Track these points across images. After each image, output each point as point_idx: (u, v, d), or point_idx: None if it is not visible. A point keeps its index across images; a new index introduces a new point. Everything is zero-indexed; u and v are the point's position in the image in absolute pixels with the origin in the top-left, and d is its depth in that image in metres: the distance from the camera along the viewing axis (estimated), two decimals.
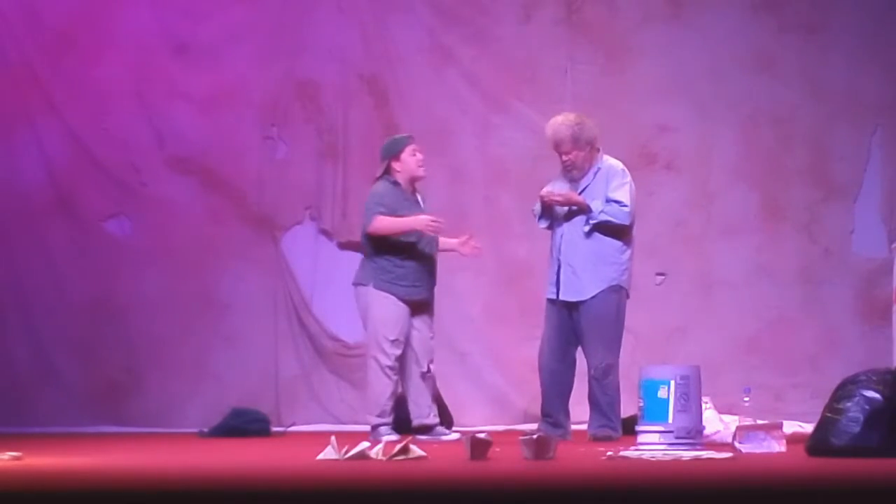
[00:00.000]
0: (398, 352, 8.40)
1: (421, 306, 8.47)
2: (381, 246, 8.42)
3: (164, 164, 10.35)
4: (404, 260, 8.43)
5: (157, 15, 10.47)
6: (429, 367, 8.49)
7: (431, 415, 8.48)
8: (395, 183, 8.45)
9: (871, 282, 9.94)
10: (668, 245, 10.19)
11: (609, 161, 8.38)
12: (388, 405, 8.44)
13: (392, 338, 8.38)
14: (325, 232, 10.49)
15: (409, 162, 8.43)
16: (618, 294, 8.28)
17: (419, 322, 8.48)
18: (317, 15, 10.46)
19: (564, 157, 8.28)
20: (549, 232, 8.44)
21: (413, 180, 8.48)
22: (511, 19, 10.42)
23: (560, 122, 8.30)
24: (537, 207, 8.36)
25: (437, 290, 8.68)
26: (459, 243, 8.61)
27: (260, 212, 10.43)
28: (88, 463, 6.86)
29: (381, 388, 8.40)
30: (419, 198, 8.54)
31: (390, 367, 8.39)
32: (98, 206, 10.36)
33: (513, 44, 10.41)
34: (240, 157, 10.45)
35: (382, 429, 8.35)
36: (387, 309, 8.38)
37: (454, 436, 8.30)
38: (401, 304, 8.40)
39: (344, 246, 10.48)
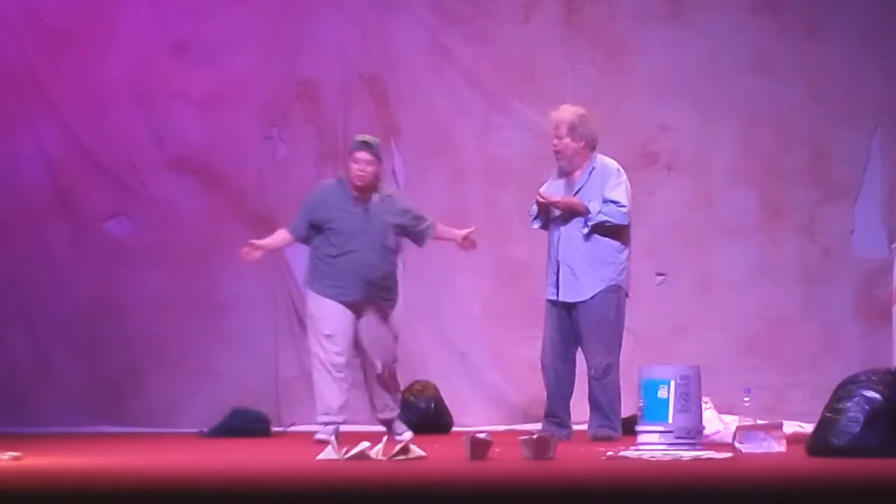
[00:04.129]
0: (337, 348, 8.30)
1: (360, 307, 8.39)
2: (312, 246, 8.47)
3: (163, 164, 10.35)
4: (333, 259, 8.36)
5: (157, 15, 10.47)
6: (384, 368, 8.45)
7: (387, 410, 8.53)
8: (341, 181, 8.49)
9: (871, 282, 9.94)
10: (668, 245, 10.19)
11: (604, 160, 8.38)
12: (334, 403, 8.32)
13: (326, 332, 8.30)
14: None
15: (350, 168, 8.39)
16: (617, 294, 8.29)
17: (365, 322, 8.41)
18: (317, 15, 10.46)
19: (556, 141, 8.28)
20: (545, 232, 8.44)
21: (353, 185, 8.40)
22: (511, 19, 10.42)
23: (567, 108, 8.40)
24: (533, 209, 8.37)
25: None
26: (461, 237, 8.58)
27: (260, 212, 10.42)
28: (88, 463, 6.86)
29: (322, 385, 8.33)
30: (374, 199, 8.38)
31: (333, 365, 8.30)
32: (98, 206, 10.35)
33: (513, 44, 10.41)
34: (240, 157, 10.45)
35: (326, 427, 8.23)
36: (319, 306, 8.35)
37: (408, 434, 8.27)
38: (333, 302, 8.34)
39: None
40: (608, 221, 8.22)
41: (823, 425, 6.75)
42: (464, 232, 8.58)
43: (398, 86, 10.44)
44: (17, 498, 5.14)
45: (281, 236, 8.59)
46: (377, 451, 6.68)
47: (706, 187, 10.32)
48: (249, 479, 5.84)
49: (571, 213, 8.25)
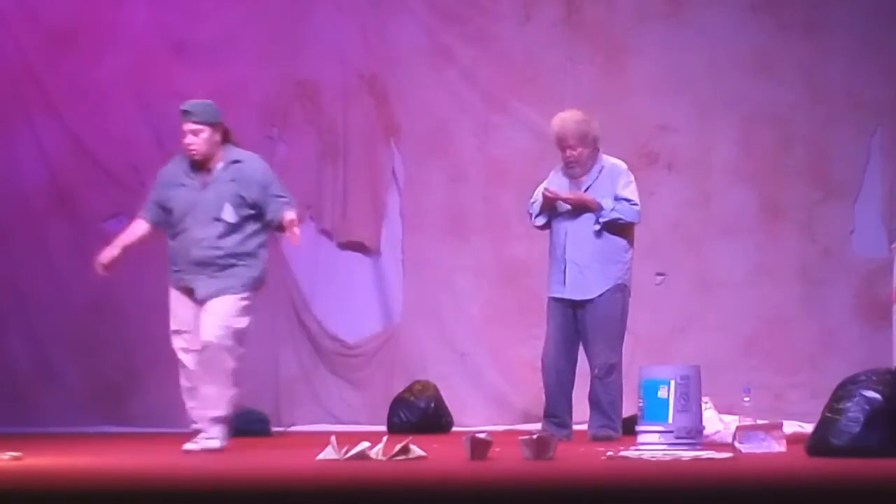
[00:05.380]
0: (183, 344, 7.42)
1: (199, 294, 7.42)
2: None
3: (163, 163, 10.33)
4: (172, 241, 7.50)
5: (156, 14, 10.48)
6: (205, 355, 7.37)
7: (206, 407, 7.44)
8: (183, 156, 7.53)
9: (871, 282, 9.95)
10: (667, 245, 10.20)
11: (611, 160, 8.40)
12: (188, 402, 7.48)
13: (172, 328, 7.47)
14: (325, 232, 10.51)
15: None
16: (622, 293, 8.31)
17: (204, 314, 7.39)
18: (316, 15, 10.48)
19: (569, 153, 8.28)
20: (546, 232, 8.43)
21: None
22: (511, 19, 10.43)
23: (568, 118, 8.33)
24: (535, 206, 8.36)
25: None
26: (287, 228, 7.43)
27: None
28: (88, 463, 6.86)
29: (182, 383, 7.51)
30: (217, 168, 7.44)
31: (183, 366, 7.46)
32: (98, 206, 10.36)
33: (513, 44, 10.42)
34: None
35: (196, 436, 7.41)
36: (171, 298, 7.53)
37: (213, 443, 7.38)
38: (177, 292, 7.48)
39: (344, 246, 10.51)
40: (620, 219, 8.24)
41: (823, 425, 6.74)
42: (287, 222, 7.39)
43: (398, 86, 10.45)
44: (18, 498, 5.15)
45: (137, 226, 7.59)
46: (377, 451, 6.68)
47: (705, 187, 10.33)
48: (249, 479, 5.84)
49: (582, 209, 8.25)
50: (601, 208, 8.22)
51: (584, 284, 8.25)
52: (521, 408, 10.03)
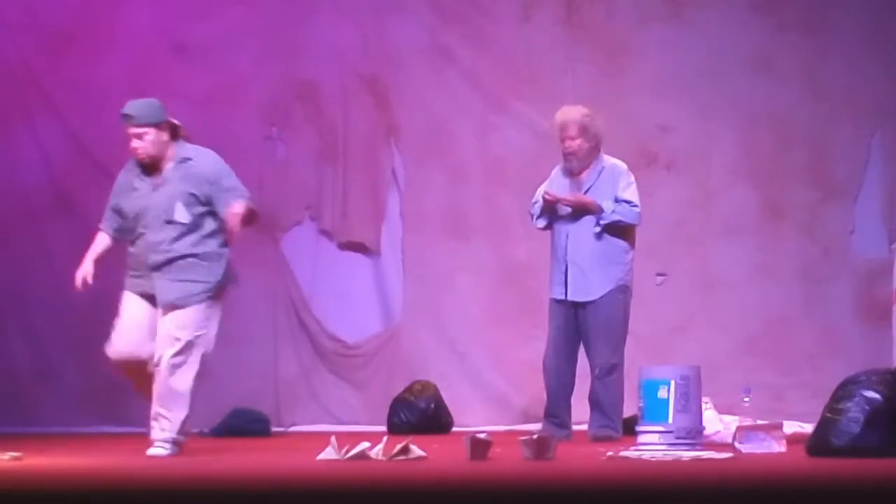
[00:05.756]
0: (118, 341, 7.20)
1: (154, 298, 7.18)
2: None
3: None
4: (130, 248, 7.26)
5: (156, 14, 10.47)
6: (159, 367, 7.09)
7: (157, 424, 7.14)
8: (135, 160, 7.26)
9: (871, 282, 9.94)
10: (667, 245, 10.19)
11: (612, 161, 8.39)
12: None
13: (116, 327, 7.25)
14: (325, 232, 10.50)
15: None
16: (624, 294, 8.30)
17: (161, 324, 7.14)
18: (316, 15, 10.47)
19: (568, 142, 8.27)
20: (547, 232, 8.43)
21: None
22: (511, 19, 10.43)
23: (572, 109, 8.37)
24: (536, 208, 8.35)
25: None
26: (227, 220, 7.13)
27: (260, 212, 10.42)
28: (88, 463, 6.85)
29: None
30: (167, 169, 7.17)
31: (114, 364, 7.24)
32: (98, 206, 10.29)
33: (513, 44, 10.42)
34: (239, 157, 10.36)
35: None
36: (122, 304, 7.33)
37: (159, 451, 7.10)
38: (129, 293, 7.25)
39: (344, 246, 10.50)
40: (621, 221, 8.24)
41: (823, 425, 6.74)
42: (232, 219, 7.08)
43: (398, 86, 10.45)
44: (18, 498, 5.14)
45: (100, 238, 7.38)
46: (377, 452, 6.67)
47: (705, 187, 10.33)
48: (249, 479, 5.84)
49: (582, 211, 8.25)
50: (601, 210, 8.22)
51: (586, 286, 8.25)
52: (521, 408, 10.03)
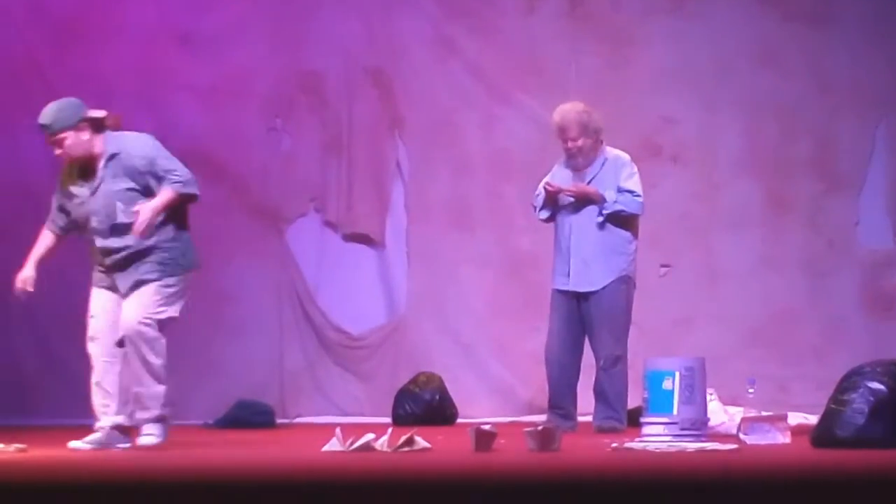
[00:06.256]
0: (98, 349, 6.93)
1: (118, 290, 6.95)
2: None
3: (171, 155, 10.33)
4: (92, 249, 7.02)
5: (162, 6, 10.48)
6: (122, 342, 6.87)
7: (129, 407, 6.91)
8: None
9: (876, 273, 9.94)
10: (672, 237, 10.19)
11: (614, 152, 8.37)
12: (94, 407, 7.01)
13: (89, 334, 7.00)
14: (329, 224, 10.51)
15: None
16: (627, 285, 8.28)
17: (124, 305, 6.90)
18: (321, 7, 10.47)
19: (571, 144, 8.25)
20: (550, 224, 8.42)
21: None
22: (515, 11, 10.42)
23: (569, 109, 8.30)
24: (539, 199, 8.34)
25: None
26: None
27: (264, 204, 10.44)
28: (93, 455, 6.86)
29: (92, 378, 7.03)
30: (99, 168, 6.86)
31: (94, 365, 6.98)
32: None
33: (517, 36, 10.41)
34: (244, 148, 10.45)
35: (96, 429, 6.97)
36: (91, 299, 7.09)
37: (150, 440, 6.87)
38: (98, 290, 7.02)
39: (349, 238, 10.51)
40: (624, 211, 8.22)
41: (828, 417, 6.73)
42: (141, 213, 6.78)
43: (402, 78, 10.44)
44: (23, 489, 5.15)
45: (45, 238, 7.12)
46: (382, 443, 6.67)
47: (710, 179, 10.32)
48: (254, 470, 5.84)
49: (585, 201, 8.23)
50: (604, 200, 8.20)
51: (589, 276, 8.23)
52: (525, 399, 10.03)
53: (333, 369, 10.40)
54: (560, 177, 8.35)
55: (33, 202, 10.27)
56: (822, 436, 6.72)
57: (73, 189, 6.94)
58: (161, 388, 6.87)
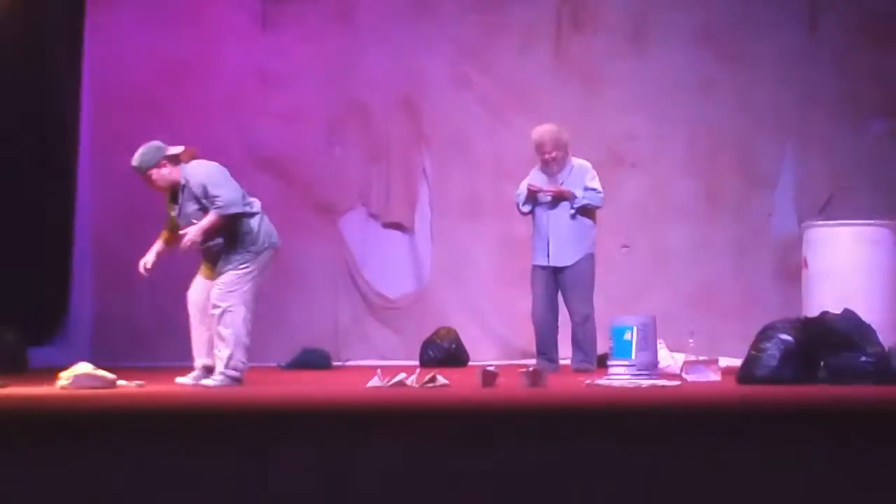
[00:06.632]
0: (189, 301, 6.99)
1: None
2: None
3: (252, 164, 10.33)
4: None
5: (246, 51, 10.46)
6: (212, 321, 6.84)
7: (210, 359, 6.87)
8: None
9: (786, 252, 9.88)
10: (631, 224, 10.15)
11: (579, 160, 8.37)
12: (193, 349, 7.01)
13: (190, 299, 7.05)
14: (372, 215, 10.48)
15: None
16: (591, 260, 8.28)
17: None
18: (365, 50, 10.44)
19: (547, 156, 8.24)
20: (528, 216, 8.39)
21: None
22: (512, 54, 10.37)
23: (546, 129, 8.28)
24: (522, 196, 8.32)
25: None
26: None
27: (323, 200, 10.42)
28: (192, 388, 6.86)
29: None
30: (179, 200, 6.85)
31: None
32: None
33: (513, 72, 10.36)
34: (308, 159, 10.44)
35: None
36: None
37: (210, 382, 6.80)
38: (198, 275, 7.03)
39: (387, 225, 10.48)
40: (590, 204, 8.22)
41: (749, 361, 6.71)
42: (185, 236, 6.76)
43: (426, 105, 10.41)
44: (140, 415, 5.14)
45: (161, 236, 7.06)
46: (412, 380, 6.66)
47: (660, 180, 10.27)
48: (315, 402, 5.83)
49: (559, 198, 8.22)
50: (575, 197, 8.20)
51: (563, 255, 8.22)
52: (519, 347, 10.00)
53: (375, 324, 10.38)
54: (537, 179, 8.33)
55: (149, 217, 10.29)
56: (744, 375, 6.70)
57: (170, 210, 6.93)
58: (227, 350, 6.72)
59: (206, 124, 10.33)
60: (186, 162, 6.84)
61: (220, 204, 6.75)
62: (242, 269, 6.83)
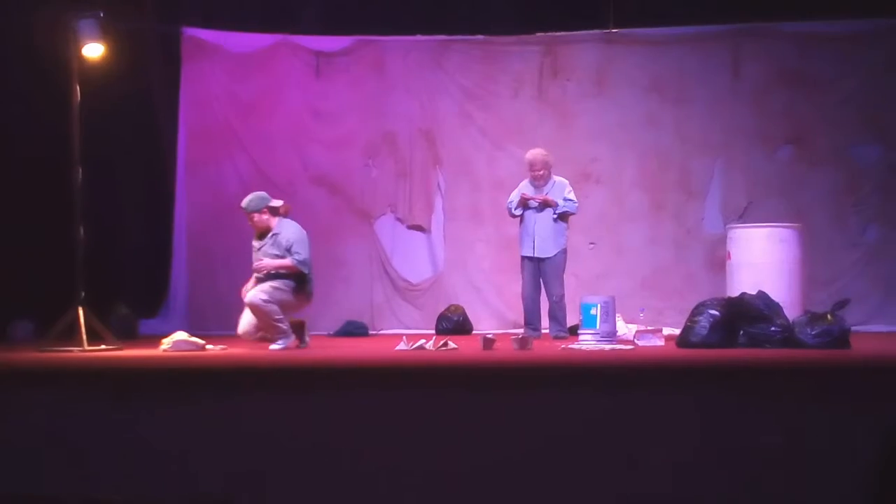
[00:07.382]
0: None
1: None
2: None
3: (307, 180, 10.39)
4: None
5: (303, 92, 10.48)
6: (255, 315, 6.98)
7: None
8: None
9: (714, 247, 9.92)
10: (596, 226, 10.18)
11: (559, 178, 8.46)
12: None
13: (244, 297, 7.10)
14: (399, 219, 10.51)
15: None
16: (565, 253, 8.37)
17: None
18: (395, 94, 10.48)
19: (536, 173, 8.33)
20: (517, 219, 8.45)
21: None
22: (506, 96, 10.40)
23: (537, 152, 8.40)
24: (513, 204, 8.40)
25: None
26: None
27: (361, 208, 10.46)
28: (265, 353, 6.92)
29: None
30: (266, 237, 7.06)
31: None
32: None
33: (507, 110, 10.39)
34: (350, 176, 10.48)
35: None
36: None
37: (277, 346, 6.93)
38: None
39: (410, 227, 10.51)
40: (568, 211, 8.31)
41: (686, 330, 6.78)
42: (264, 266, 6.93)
43: (441, 135, 10.44)
44: (224, 372, 5.22)
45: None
46: (430, 345, 6.72)
47: (618, 192, 10.30)
48: (359, 360, 5.91)
49: (544, 206, 8.32)
50: (557, 205, 8.27)
51: (545, 248, 8.30)
52: (512, 320, 10.05)
53: (402, 302, 10.42)
54: (527, 191, 8.42)
55: (232, 209, 10.33)
56: (682, 341, 6.76)
57: (255, 242, 7.06)
58: (278, 328, 6.83)
59: (271, 150, 10.41)
60: (283, 215, 7.03)
61: (298, 259, 6.92)
62: (281, 285, 6.94)
